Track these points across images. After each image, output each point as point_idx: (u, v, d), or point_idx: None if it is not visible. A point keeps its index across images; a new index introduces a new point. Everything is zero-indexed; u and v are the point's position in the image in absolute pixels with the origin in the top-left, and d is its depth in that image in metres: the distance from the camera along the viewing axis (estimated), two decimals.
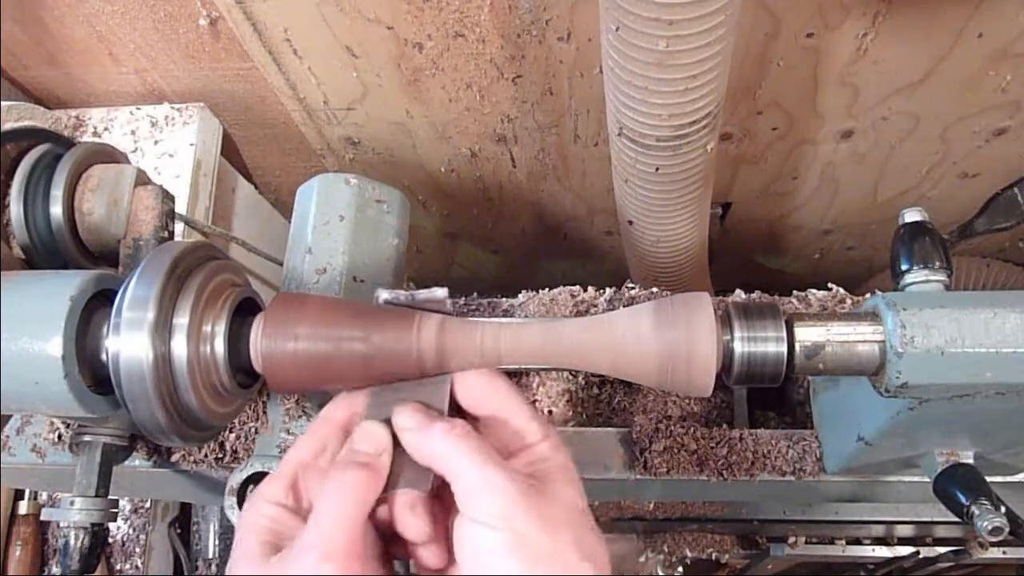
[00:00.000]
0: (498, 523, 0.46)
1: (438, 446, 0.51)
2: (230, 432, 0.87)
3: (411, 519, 0.51)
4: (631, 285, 1.01)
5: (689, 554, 1.51)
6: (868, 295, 0.72)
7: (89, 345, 0.60)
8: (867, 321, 0.60)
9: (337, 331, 0.56)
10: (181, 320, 0.57)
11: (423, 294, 0.58)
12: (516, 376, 0.99)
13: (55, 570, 1.44)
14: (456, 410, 0.56)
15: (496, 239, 2.11)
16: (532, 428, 0.54)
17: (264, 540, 0.51)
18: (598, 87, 1.36)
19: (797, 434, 0.89)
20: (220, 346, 0.59)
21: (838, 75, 1.38)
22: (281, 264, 0.95)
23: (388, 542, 0.53)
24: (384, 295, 0.59)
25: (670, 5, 0.82)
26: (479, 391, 0.56)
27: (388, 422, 0.54)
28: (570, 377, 0.97)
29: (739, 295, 0.98)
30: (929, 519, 1.31)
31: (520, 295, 1.01)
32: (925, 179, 1.75)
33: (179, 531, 1.54)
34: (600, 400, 0.97)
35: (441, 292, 0.58)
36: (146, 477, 0.93)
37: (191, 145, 1.46)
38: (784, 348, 0.58)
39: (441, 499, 0.53)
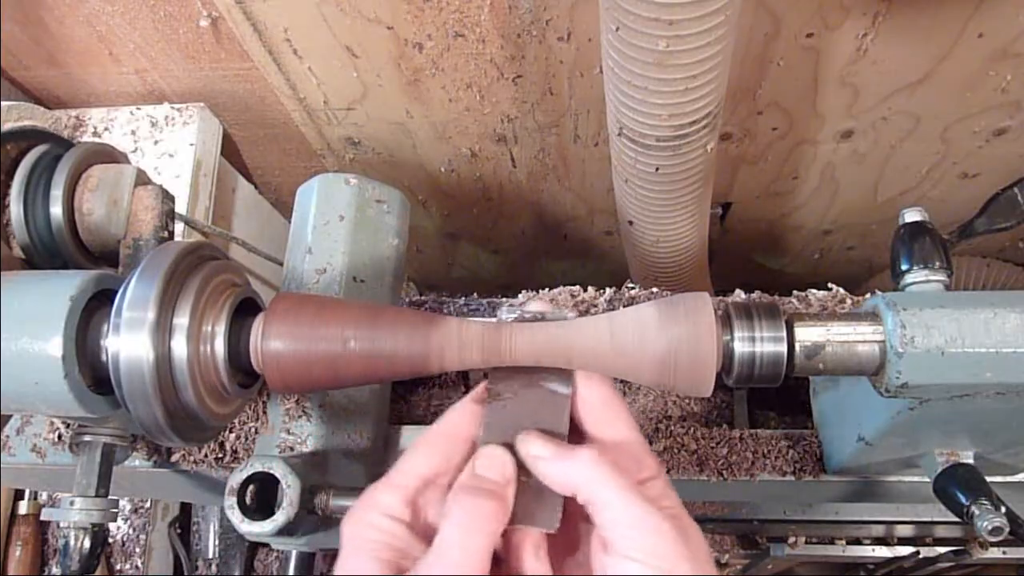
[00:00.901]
0: (653, 562, 0.45)
1: (585, 476, 0.48)
2: (230, 432, 0.87)
3: (535, 562, 0.49)
4: (631, 285, 1.01)
5: None
6: (868, 295, 0.72)
7: (89, 345, 0.60)
8: (867, 321, 0.60)
9: (337, 331, 0.56)
10: (181, 320, 0.57)
11: (553, 315, 0.56)
12: None
13: (55, 570, 1.44)
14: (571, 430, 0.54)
15: (496, 239, 2.11)
16: (650, 461, 0.52)
17: (382, 558, 0.47)
18: (598, 87, 1.36)
19: (797, 434, 0.89)
20: (220, 346, 0.59)
21: (838, 75, 1.38)
22: (281, 264, 0.95)
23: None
24: (506, 315, 0.56)
25: (670, 5, 0.82)
26: (601, 414, 0.54)
27: (508, 446, 0.51)
28: None
29: (739, 295, 0.98)
30: (929, 519, 1.31)
31: (520, 295, 1.01)
32: (925, 179, 1.75)
33: (179, 531, 1.54)
34: None
35: (571, 315, 0.56)
36: (146, 477, 0.93)
37: (191, 145, 1.46)
38: (784, 348, 0.58)
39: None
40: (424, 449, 0.53)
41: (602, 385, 0.55)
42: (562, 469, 0.49)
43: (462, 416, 0.54)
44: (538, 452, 0.50)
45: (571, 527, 0.53)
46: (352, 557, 0.48)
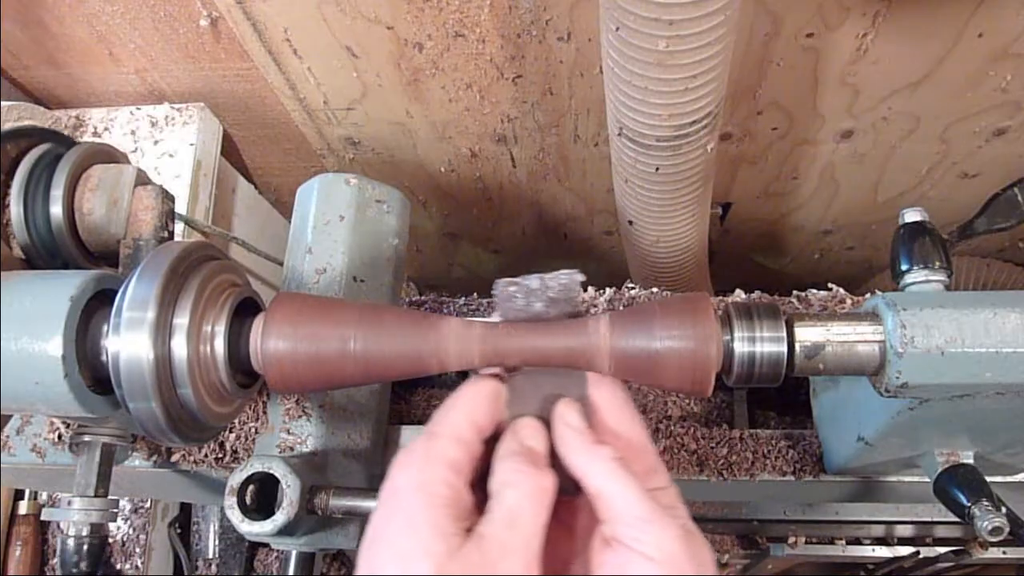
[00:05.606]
0: (659, 557, 0.45)
1: (603, 468, 0.49)
2: (230, 432, 0.87)
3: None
4: (631, 285, 1.01)
5: None
6: (868, 295, 0.72)
7: (89, 345, 0.60)
8: (867, 321, 0.60)
9: (338, 331, 0.56)
10: (181, 320, 0.57)
11: (554, 279, 0.55)
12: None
13: (55, 571, 1.44)
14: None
15: (496, 239, 2.11)
16: (662, 470, 0.53)
17: (450, 514, 0.46)
18: (598, 87, 1.36)
19: (797, 434, 0.89)
20: (220, 346, 0.59)
21: (838, 75, 1.38)
22: (281, 264, 0.95)
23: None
24: (506, 286, 0.56)
25: (670, 5, 0.82)
26: (618, 414, 0.54)
27: (539, 418, 0.53)
28: None
29: (739, 295, 0.98)
30: (929, 519, 1.31)
31: None
32: (925, 179, 1.75)
33: (179, 531, 1.54)
34: None
35: (579, 277, 0.55)
36: (146, 477, 0.93)
37: (191, 145, 1.46)
38: (784, 348, 0.58)
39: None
40: (473, 406, 0.53)
41: (616, 386, 0.56)
42: (584, 455, 0.50)
43: (489, 382, 0.55)
44: (576, 424, 0.52)
45: (570, 527, 0.53)
46: (423, 506, 0.46)
